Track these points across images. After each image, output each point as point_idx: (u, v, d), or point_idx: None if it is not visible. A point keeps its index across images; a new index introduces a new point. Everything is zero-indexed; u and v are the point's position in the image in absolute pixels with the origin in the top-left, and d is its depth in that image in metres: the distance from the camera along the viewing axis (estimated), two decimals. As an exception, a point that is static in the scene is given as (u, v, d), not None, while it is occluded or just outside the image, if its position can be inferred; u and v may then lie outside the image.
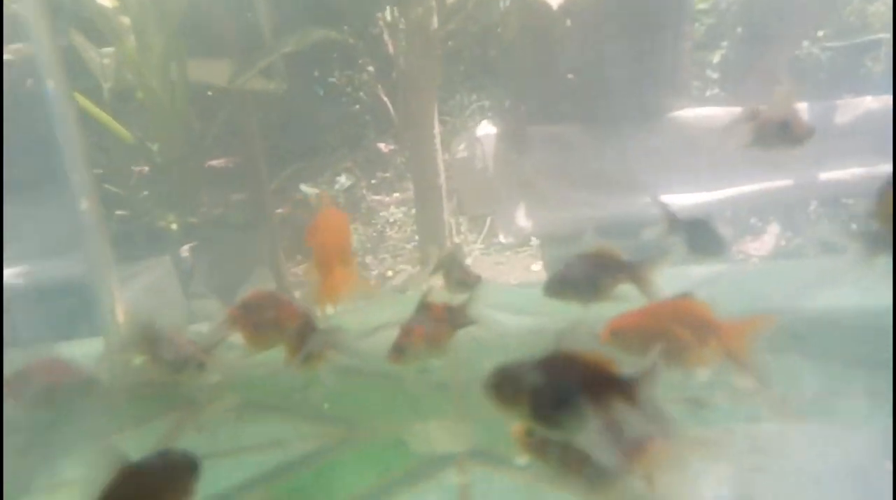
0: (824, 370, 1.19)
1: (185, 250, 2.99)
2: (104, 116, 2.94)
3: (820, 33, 3.63)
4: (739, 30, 3.76)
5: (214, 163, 3.79)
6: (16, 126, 2.39)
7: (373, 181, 6.08)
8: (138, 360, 1.28)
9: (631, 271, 1.14)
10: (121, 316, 1.42)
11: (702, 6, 3.45)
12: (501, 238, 2.90)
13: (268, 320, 1.11)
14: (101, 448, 0.67)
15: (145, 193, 3.16)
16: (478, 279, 1.34)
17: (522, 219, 2.91)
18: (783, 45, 3.02)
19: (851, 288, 1.52)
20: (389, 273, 5.28)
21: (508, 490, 0.96)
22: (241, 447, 1.12)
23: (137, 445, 1.19)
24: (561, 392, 0.77)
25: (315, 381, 1.27)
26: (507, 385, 0.80)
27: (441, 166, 3.50)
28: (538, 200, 2.93)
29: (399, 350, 1.09)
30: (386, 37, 4.68)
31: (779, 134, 1.38)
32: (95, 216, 1.40)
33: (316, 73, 6.14)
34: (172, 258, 2.89)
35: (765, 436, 1.05)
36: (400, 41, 4.25)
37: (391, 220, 5.64)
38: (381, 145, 5.43)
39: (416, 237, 4.47)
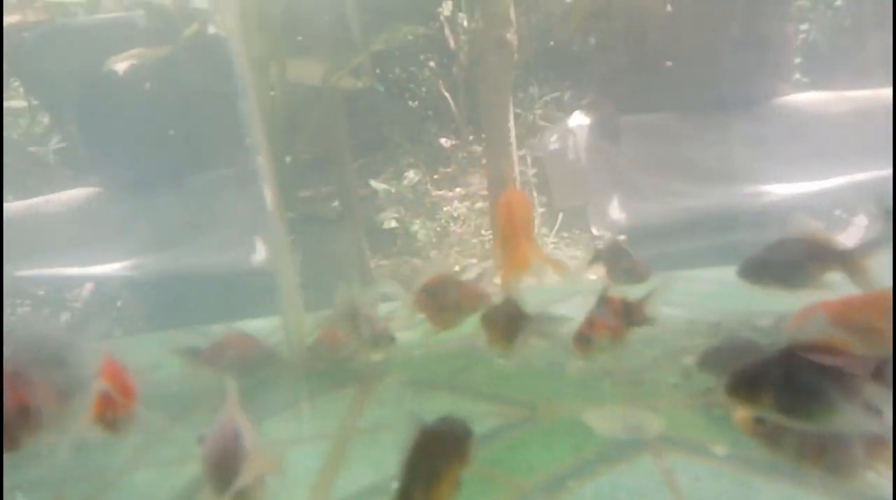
0: None
1: (284, 244, 3.08)
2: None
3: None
4: (830, 13, 3.63)
5: (306, 158, 3.90)
6: (154, 123, 2.50)
7: (435, 177, 6.15)
8: (310, 339, 1.35)
9: (843, 257, 1.08)
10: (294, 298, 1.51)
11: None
12: (594, 230, 2.88)
13: (450, 302, 1.15)
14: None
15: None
16: (649, 273, 1.31)
17: (616, 211, 2.88)
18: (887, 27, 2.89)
19: None
20: (456, 268, 5.33)
21: (715, 477, 0.95)
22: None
23: (328, 413, 1.25)
24: (811, 382, 0.76)
25: (476, 363, 1.30)
26: (750, 383, 0.79)
27: (515, 159, 3.51)
28: (632, 191, 2.89)
29: (585, 340, 1.10)
30: (447, 32, 4.73)
31: None
32: (276, 202, 1.48)
33: (377, 70, 6.24)
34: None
35: None
36: (460, 36, 4.27)
37: (455, 215, 5.68)
38: (443, 140, 5.48)
39: (483, 232, 4.50)
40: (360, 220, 3.78)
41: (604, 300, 1.12)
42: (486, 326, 1.13)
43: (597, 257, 1.37)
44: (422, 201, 6.41)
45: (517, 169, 3.76)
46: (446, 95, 5.11)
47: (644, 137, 2.88)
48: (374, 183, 5.99)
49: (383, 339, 1.20)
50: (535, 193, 4.01)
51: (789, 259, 1.08)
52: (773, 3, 2.63)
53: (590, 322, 1.10)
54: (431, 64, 5.32)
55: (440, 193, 6.24)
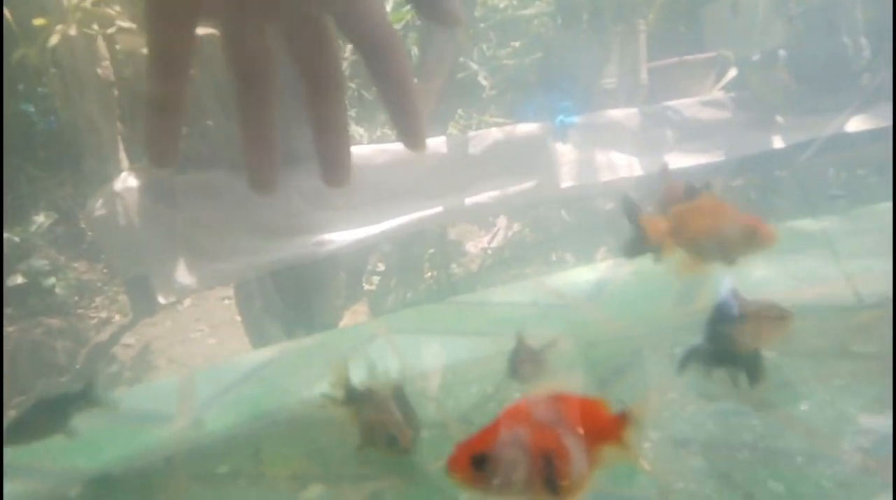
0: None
1: None
2: None
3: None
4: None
5: None
6: None
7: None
8: None
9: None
10: None
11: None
12: (161, 299, 2.53)
13: None
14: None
15: None
16: None
17: (184, 276, 2.57)
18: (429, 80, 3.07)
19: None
20: (100, 317, 4.66)
21: None
22: None
23: None
24: None
25: None
26: None
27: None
28: (198, 253, 2.60)
29: None
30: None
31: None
32: None
33: (20, 87, 5.10)
34: None
35: None
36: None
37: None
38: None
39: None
40: None
41: None
42: None
43: None
44: (80, 241, 5.39)
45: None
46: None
47: (201, 196, 2.59)
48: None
49: None
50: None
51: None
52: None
53: None
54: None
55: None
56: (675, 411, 1.03)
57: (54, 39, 2.40)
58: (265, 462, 1.12)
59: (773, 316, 0.91)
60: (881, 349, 1.05)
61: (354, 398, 0.99)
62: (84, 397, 1.10)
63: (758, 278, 1.14)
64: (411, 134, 0.51)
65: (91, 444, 1.21)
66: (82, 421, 1.23)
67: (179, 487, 1.06)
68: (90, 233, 3.23)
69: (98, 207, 2.51)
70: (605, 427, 0.54)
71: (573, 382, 0.55)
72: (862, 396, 0.95)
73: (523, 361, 1.07)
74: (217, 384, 1.42)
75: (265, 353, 1.55)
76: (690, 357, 0.99)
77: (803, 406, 0.98)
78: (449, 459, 0.55)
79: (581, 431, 0.52)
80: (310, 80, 0.54)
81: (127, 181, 2.56)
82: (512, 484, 0.51)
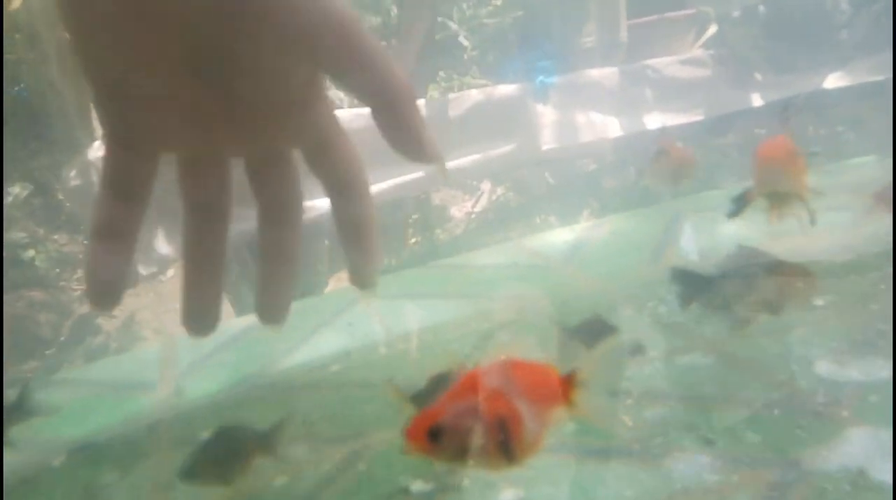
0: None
1: None
2: None
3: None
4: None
5: None
6: None
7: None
8: None
9: None
10: None
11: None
12: (141, 270, 2.51)
13: None
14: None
15: None
16: None
17: (163, 245, 2.55)
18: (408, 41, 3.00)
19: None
20: (83, 289, 4.65)
21: None
22: None
23: None
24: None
25: None
26: None
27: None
28: (176, 221, 2.57)
29: None
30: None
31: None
32: None
33: None
34: None
35: None
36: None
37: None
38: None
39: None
40: None
41: None
42: None
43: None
44: (54, 218, 5.31)
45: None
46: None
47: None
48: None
49: None
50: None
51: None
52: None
53: None
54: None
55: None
56: (645, 365, 1.06)
57: (16, 3, 2.29)
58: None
59: (798, 274, 0.88)
60: (839, 301, 1.09)
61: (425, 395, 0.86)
62: (19, 408, 1.05)
63: (729, 232, 1.16)
64: (364, 277, 0.47)
65: (75, 413, 1.22)
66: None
67: (163, 453, 1.07)
68: (68, 204, 3.18)
69: (73, 176, 2.46)
70: (554, 390, 0.56)
71: (524, 348, 0.56)
72: (820, 346, 0.99)
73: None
74: (198, 351, 1.43)
75: (245, 320, 1.55)
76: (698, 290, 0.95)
77: (765, 356, 1.01)
78: (406, 433, 0.56)
79: (531, 395, 0.54)
80: (267, 212, 0.51)
81: (98, 151, 2.51)
82: (469, 451, 0.52)
